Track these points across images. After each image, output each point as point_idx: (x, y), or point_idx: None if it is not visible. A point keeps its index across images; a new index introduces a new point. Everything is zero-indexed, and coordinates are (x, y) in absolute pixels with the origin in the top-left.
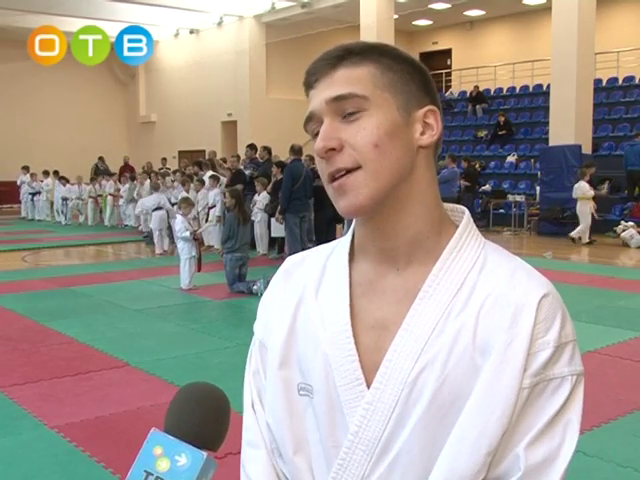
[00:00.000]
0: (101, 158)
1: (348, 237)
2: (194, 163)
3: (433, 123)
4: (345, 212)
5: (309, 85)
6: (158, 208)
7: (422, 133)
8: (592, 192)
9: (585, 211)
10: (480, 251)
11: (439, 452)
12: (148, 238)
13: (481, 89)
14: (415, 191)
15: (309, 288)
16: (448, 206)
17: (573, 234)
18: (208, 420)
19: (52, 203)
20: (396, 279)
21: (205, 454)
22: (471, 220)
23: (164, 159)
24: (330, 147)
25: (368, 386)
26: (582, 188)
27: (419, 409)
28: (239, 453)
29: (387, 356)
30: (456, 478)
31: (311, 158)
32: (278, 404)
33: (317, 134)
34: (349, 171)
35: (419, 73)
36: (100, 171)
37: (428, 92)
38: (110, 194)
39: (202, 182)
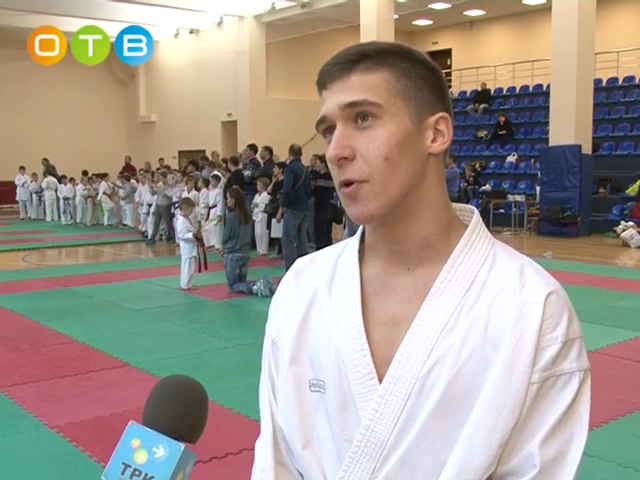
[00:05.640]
0: (45, 160)
1: (357, 237)
2: (190, 162)
3: (444, 130)
4: (355, 219)
5: (322, 86)
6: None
7: (433, 140)
8: None
9: None
10: (490, 249)
11: (450, 446)
12: (148, 238)
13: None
14: (425, 197)
15: (321, 286)
16: (457, 206)
17: None
18: (186, 412)
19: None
20: (407, 278)
21: (182, 445)
22: (480, 220)
23: (161, 159)
24: (342, 156)
25: (380, 381)
26: None
27: (431, 403)
28: (239, 453)
29: (400, 350)
30: (470, 471)
31: (312, 158)
32: (289, 400)
33: (327, 129)
34: (358, 182)
35: (433, 76)
36: (49, 171)
37: (441, 97)
38: (104, 193)
39: (205, 181)
